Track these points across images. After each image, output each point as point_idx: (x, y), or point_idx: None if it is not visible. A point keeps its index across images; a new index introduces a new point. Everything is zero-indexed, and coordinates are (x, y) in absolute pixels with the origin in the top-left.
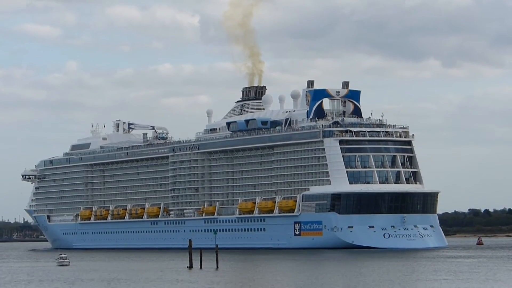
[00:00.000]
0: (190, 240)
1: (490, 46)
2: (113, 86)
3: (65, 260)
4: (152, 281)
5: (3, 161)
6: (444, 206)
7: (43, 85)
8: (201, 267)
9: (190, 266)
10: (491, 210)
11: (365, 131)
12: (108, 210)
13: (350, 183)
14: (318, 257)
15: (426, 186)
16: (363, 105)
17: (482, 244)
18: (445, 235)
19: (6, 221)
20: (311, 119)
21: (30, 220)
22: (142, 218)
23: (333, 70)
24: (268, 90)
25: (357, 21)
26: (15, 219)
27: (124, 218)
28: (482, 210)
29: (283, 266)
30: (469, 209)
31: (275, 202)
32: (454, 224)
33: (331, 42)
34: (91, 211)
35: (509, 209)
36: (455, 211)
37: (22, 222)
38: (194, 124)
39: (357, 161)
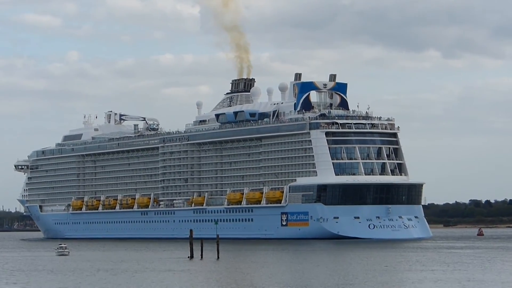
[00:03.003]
0: (191, 230)
1: (490, 37)
2: (114, 76)
3: (65, 250)
4: (158, 271)
5: (4, 151)
6: (445, 196)
7: (44, 75)
8: (201, 257)
9: (191, 256)
10: (492, 201)
11: (351, 123)
12: (99, 200)
13: (336, 174)
14: (309, 247)
15: (415, 177)
16: (362, 95)
17: (483, 235)
18: (446, 225)
19: (7, 210)
20: (298, 111)
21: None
22: (132, 208)
23: (333, 60)
24: (267, 81)
25: (358, 11)
26: (16, 208)
27: (115, 208)
28: (483, 201)
29: (280, 256)
30: (470, 200)
31: (262, 193)
32: (455, 214)
33: (332, 32)
34: (83, 201)
35: (510, 200)
36: (456, 201)
37: (23, 212)
38: (185, 115)
39: (343, 152)
